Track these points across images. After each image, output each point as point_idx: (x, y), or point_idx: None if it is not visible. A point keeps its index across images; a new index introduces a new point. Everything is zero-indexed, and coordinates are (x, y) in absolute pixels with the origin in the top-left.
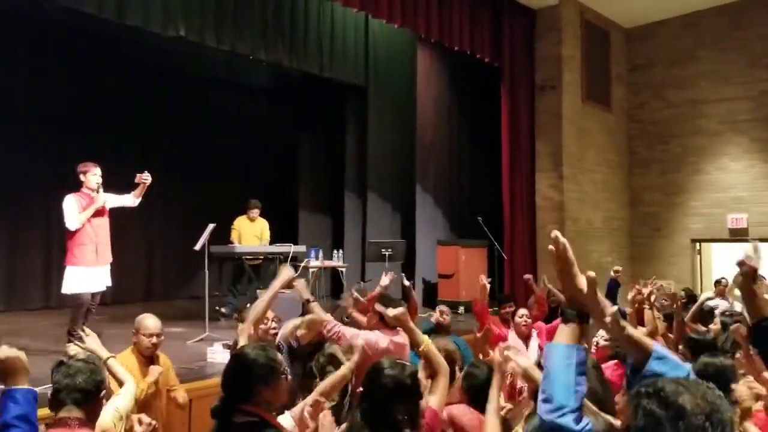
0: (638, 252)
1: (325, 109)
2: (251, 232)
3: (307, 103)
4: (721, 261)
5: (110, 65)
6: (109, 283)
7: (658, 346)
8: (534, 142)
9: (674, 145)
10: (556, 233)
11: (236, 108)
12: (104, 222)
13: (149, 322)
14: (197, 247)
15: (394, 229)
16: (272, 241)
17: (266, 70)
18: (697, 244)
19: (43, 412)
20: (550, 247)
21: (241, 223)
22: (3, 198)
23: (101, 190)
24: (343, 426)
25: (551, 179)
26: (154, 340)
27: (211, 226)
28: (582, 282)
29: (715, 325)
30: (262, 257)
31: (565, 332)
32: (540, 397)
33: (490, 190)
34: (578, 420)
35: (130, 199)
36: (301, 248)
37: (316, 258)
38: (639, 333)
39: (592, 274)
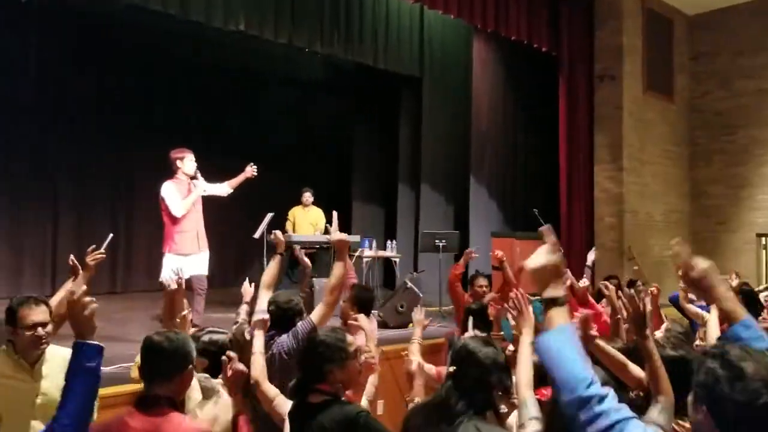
0: (700, 246)
1: (379, 100)
2: (306, 221)
3: (362, 94)
4: None
5: (172, 62)
6: (206, 271)
7: (748, 317)
8: (593, 133)
9: (739, 136)
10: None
11: (292, 100)
12: (201, 208)
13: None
14: (256, 235)
15: (448, 220)
16: (326, 230)
17: (322, 63)
18: (763, 238)
19: (105, 391)
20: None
21: (295, 213)
22: (69, 184)
23: (199, 174)
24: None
25: (610, 171)
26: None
27: (269, 215)
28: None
29: None
30: (317, 246)
31: (559, 315)
32: (559, 384)
33: (546, 181)
34: (600, 387)
35: (225, 188)
36: (355, 238)
37: (370, 248)
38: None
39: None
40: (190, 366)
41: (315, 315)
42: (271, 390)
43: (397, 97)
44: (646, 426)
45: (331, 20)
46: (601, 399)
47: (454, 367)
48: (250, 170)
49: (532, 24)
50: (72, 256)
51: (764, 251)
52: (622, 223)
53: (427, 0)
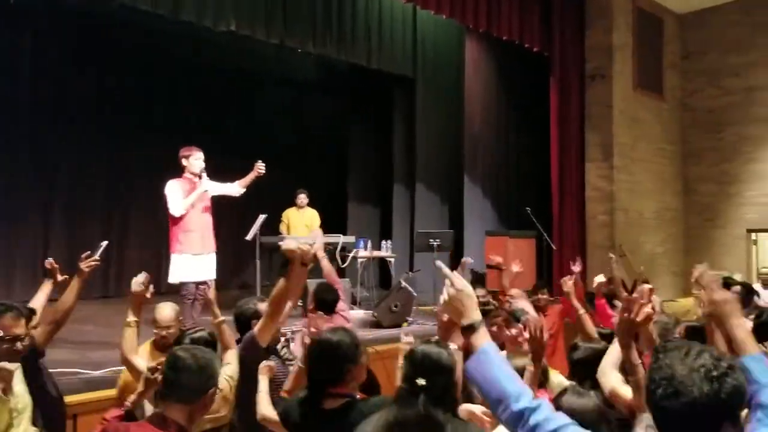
0: (692, 243)
1: (374, 100)
2: (300, 222)
3: (356, 95)
4: None
5: (171, 62)
6: (214, 275)
7: (759, 351)
8: (584, 132)
9: (728, 133)
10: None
11: (286, 101)
12: (204, 207)
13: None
14: (248, 237)
15: (443, 220)
16: (322, 231)
17: (315, 64)
18: (753, 234)
19: (94, 395)
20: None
21: (289, 214)
22: (65, 185)
23: (205, 174)
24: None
25: (601, 169)
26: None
27: (262, 216)
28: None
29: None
30: None
31: (478, 338)
32: (493, 405)
33: (539, 180)
34: (530, 399)
35: (235, 188)
36: (350, 239)
37: (365, 248)
38: (747, 333)
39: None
40: (213, 389)
41: (257, 326)
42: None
43: (391, 97)
44: None
45: (324, 20)
46: (533, 411)
47: (424, 380)
48: (257, 168)
49: (523, 24)
50: (50, 259)
51: (754, 246)
52: (613, 221)
53: (419, 0)
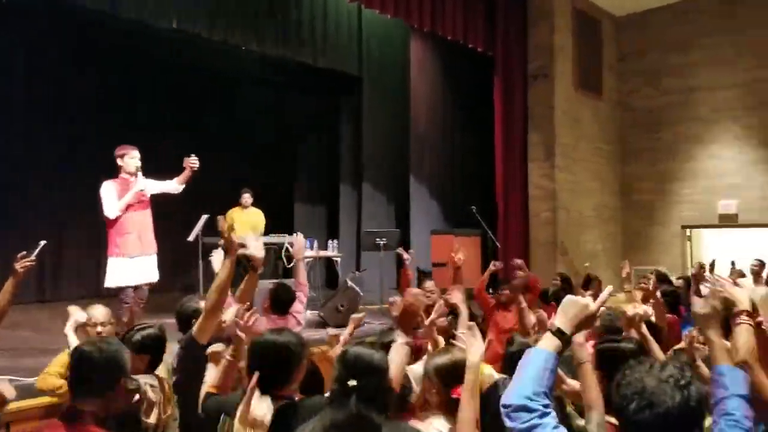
0: (630, 241)
1: (320, 99)
2: (246, 222)
3: (303, 93)
4: (712, 247)
5: (112, 57)
6: (157, 276)
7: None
8: (527, 131)
9: (666, 133)
10: None
11: (229, 99)
12: (143, 207)
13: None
14: (190, 238)
15: (389, 219)
16: (267, 232)
17: (260, 61)
18: (688, 230)
19: (28, 403)
20: None
21: (233, 215)
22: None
23: (140, 174)
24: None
25: (544, 168)
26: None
27: (204, 217)
28: None
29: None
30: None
31: (558, 342)
32: (512, 385)
33: (484, 180)
34: (546, 408)
35: (173, 185)
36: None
37: (311, 248)
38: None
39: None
40: (123, 379)
41: (195, 325)
42: None
43: (337, 96)
44: None
45: (268, 18)
46: (541, 414)
47: (355, 381)
48: (188, 162)
49: (468, 24)
50: None
51: (689, 243)
52: (556, 219)
53: None
